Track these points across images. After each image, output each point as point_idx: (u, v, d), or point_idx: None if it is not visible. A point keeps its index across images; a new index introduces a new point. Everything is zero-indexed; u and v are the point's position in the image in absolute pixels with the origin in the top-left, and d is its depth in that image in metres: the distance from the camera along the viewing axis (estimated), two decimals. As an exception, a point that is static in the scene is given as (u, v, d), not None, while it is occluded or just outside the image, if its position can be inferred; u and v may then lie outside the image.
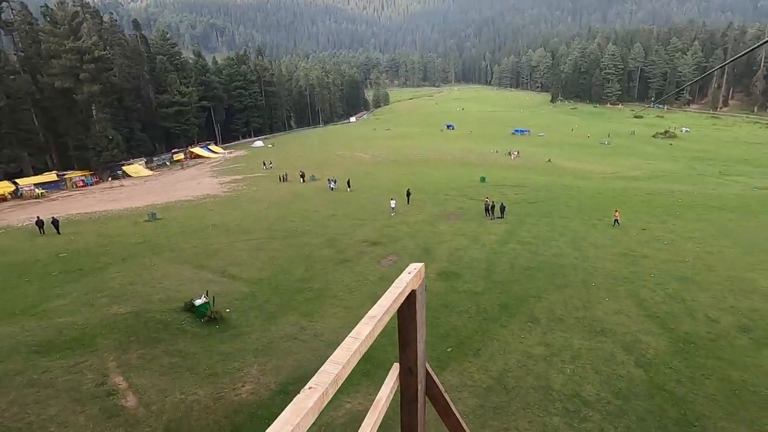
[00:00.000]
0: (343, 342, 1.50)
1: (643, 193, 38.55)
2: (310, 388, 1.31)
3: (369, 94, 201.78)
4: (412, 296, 2.14)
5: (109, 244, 26.76)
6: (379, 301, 1.81)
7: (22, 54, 62.81)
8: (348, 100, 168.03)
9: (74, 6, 66.61)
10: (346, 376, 1.41)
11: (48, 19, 60.72)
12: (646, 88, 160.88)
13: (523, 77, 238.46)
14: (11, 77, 55.30)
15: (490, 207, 30.01)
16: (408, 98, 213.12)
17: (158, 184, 54.70)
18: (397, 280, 2.07)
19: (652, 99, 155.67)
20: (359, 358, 1.50)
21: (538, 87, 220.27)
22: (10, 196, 48.74)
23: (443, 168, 56.01)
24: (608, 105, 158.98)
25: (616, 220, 27.32)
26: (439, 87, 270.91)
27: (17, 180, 51.78)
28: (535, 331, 14.84)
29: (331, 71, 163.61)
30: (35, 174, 56.12)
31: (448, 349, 13.83)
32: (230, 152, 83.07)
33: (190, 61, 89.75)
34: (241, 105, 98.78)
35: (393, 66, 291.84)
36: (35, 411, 9.99)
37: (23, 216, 37.83)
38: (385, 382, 2.24)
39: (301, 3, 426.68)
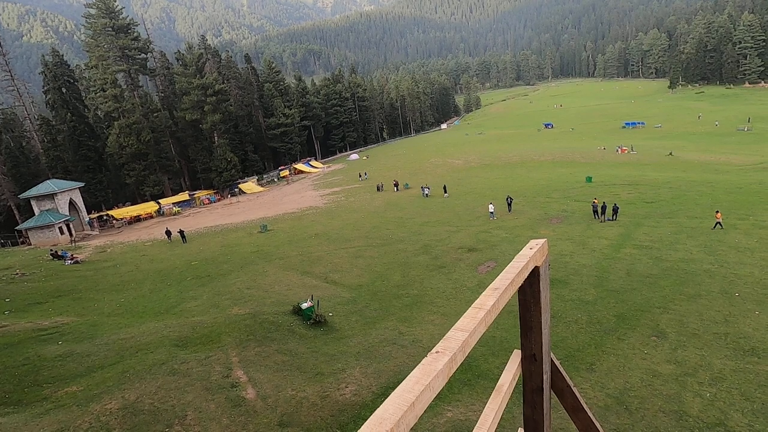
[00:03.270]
0: (467, 311, 1.42)
1: (801, 186, 31.81)
2: (437, 352, 1.24)
3: (459, 100, 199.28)
4: (535, 274, 1.96)
5: (229, 253, 30.15)
6: (500, 275, 1.69)
7: (162, 94, 74.85)
8: (438, 107, 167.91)
9: (199, 49, 77.47)
10: (473, 344, 1.32)
11: (180, 62, 71.41)
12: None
13: (632, 64, 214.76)
14: (155, 114, 66.08)
15: (599, 208, 27.32)
16: (500, 100, 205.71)
17: (268, 198, 60.31)
18: (518, 255, 1.92)
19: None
20: (484, 330, 1.41)
21: (651, 73, 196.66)
22: (154, 214, 57.87)
23: (543, 169, 52.66)
24: (746, 84, 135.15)
25: (718, 223, 22.90)
26: (534, 85, 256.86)
27: (160, 200, 61.35)
28: (661, 346, 13.00)
29: (421, 81, 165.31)
30: (172, 194, 65.93)
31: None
32: (329, 166, 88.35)
33: (292, 85, 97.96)
34: (337, 121, 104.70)
35: (483, 69, 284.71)
36: (176, 396, 11.55)
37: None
38: (506, 368, 2.07)
39: (390, 18, 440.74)
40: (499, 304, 1.51)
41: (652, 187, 35.78)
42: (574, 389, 2.27)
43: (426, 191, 42.86)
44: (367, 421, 1.02)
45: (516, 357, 2.13)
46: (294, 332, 16.01)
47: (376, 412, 1.04)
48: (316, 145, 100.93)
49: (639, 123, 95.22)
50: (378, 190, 50.17)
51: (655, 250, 20.79)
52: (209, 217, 51.30)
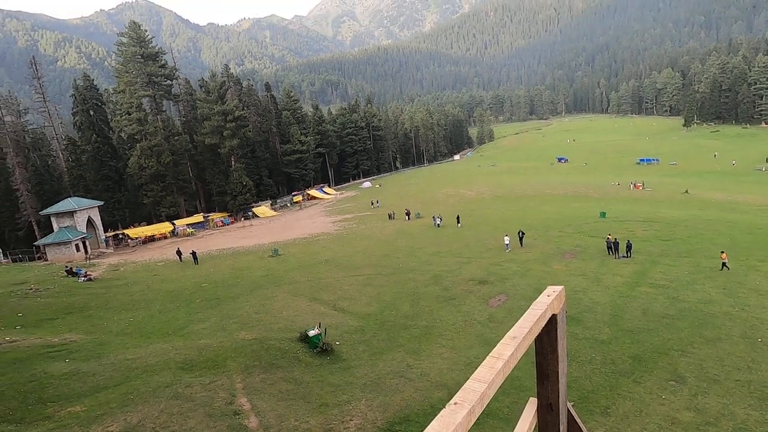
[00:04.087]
0: (485, 361, 1.42)
1: (824, 229, 31.00)
2: (455, 403, 1.23)
3: (473, 132, 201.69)
4: (552, 322, 1.95)
5: (240, 276, 30.24)
6: (518, 323, 1.69)
7: (184, 119, 77.44)
8: (451, 138, 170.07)
9: (222, 77, 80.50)
10: (491, 396, 1.31)
11: (203, 88, 74.18)
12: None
13: (646, 102, 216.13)
14: (176, 138, 68.20)
15: (613, 244, 26.91)
16: (514, 133, 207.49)
17: (280, 223, 60.86)
18: (535, 303, 1.92)
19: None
20: (502, 381, 1.40)
21: (666, 111, 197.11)
22: (169, 234, 58.69)
23: (555, 203, 52.39)
24: (763, 125, 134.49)
25: (724, 264, 22.32)
26: (548, 119, 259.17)
27: (174, 221, 62.34)
28: (680, 392, 12.47)
29: (435, 112, 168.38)
30: (187, 216, 67.01)
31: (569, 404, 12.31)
32: (341, 193, 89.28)
33: (309, 113, 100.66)
34: (352, 149, 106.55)
35: (497, 102, 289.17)
36: (178, 421, 11.36)
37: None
38: (522, 416, 2.03)
39: (406, 52, 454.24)
40: (517, 353, 1.51)
41: (668, 224, 35.23)
42: None
43: (438, 221, 42.85)
44: None
45: (532, 406, 2.09)
46: (300, 360, 15.78)
47: None
48: (329, 172, 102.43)
49: (653, 159, 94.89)
50: (390, 218, 50.33)
51: (672, 290, 20.25)
52: (222, 239, 51.82)
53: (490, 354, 1.46)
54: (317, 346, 16.46)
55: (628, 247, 26.51)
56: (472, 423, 1.23)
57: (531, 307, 1.88)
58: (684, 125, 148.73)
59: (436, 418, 1.21)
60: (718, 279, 21.30)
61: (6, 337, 18.76)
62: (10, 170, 55.77)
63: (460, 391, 1.29)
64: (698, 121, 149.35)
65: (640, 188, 60.76)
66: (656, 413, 11.61)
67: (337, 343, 17.31)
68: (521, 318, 1.76)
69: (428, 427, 1.16)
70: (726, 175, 75.57)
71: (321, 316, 20.21)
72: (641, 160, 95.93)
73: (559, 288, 2.05)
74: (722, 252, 23.17)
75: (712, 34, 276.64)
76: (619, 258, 26.25)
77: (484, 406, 1.29)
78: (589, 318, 17.97)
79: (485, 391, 1.28)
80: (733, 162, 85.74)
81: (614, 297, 20.09)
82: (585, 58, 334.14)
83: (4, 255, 50.27)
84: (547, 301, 1.89)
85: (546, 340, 1.94)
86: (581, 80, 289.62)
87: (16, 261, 49.72)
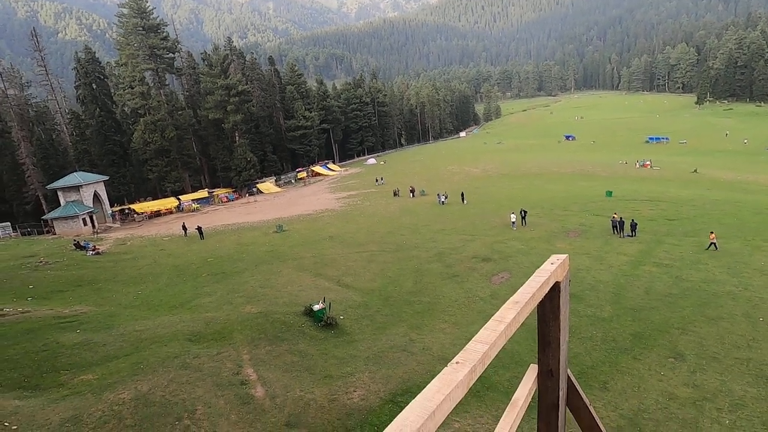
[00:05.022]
0: (487, 324, 1.43)
1: (833, 209, 30.63)
2: (457, 362, 1.25)
3: (479, 108, 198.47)
4: (555, 289, 1.96)
5: (244, 251, 30.54)
6: (521, 288, 1.69)
7: (187, 93, 76.59)
8: (458, 115, 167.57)
9: (225, 50, 79.07)
10: (493, 357, 1.33)
11: (206, 62, 73.04)
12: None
13: (658, 78, 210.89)
14: (179, 112, 67.66)
15: (618, 224, 26.79)
16: (521, 110, 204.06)
17: (284, 199, 60.97)
18: (538, 270, 1.91)
19: None
20: (504, 342, 1.42)
21: (678, 88, 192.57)
22: (174, 210, 59.04)
23: (562, 181, 51.97)
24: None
25: (713, 243, 22.33)
26: (556, 96, 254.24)
27: (180, 196, 62.60)
28: (679, 368, 12.64)
29: (441, 88, 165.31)
30: (192, 191, 67.21)
31: (569, 379, 12.54)
32: (346, 170, 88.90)
33: (314, 88, 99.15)
34: (357, 125, 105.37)
35: (505, 78, 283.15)
36: (186, 390, 11.71)
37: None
38: (522, 382, 2.06)
39: (413, 25, 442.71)
40: (520, 317, 1.51)
41: (675, 204, 34.94)
42: (591, 408, 2.23)
43: (442, 198, 42.72)
44: (388, 428, 1.03)
45: (532, 372, 2.12)
46: (305, 333, 16.09)
47: (396, 419, 1.06)
48: (334, 148, 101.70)
49: (663, 138, 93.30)
50: (394, 195, 50.22)
51: (676, 269, 20.26)
52: (227, 215, 52.10)
53: (492, 317, 1.46)
54: (321, 320, 16.74)
55: (633, 226, 26.39)
56: (473, 382, 1.24)
57: (535, 273, 1.87)
58: (696, 103, 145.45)
59: (437, 376, 1.23)
60: (723, 259, 21.24)
61: (18, 308, 19.23)
62: (15, 144, 55.81)
63: (461, 351, 1.30)
64: (711, 99, 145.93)
65: (648, 167, 59.97)
66: (654, 389, 11.81)
67: (341, 317, 17.59)
68: (524, 284, 1.76)
69: (429, 385, 1.17)
70: (737, 154, 74.33)
71: (325, 291, 20.48)
72: (650, 138, 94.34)
73: (563, 256, 2.04)
74: (711, 232, 23.23)
75: (731, 7, 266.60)
76: (623, 237, 26.18)
77: (485, 367, 1.30)
78: (591, 296, 18.09)
79: (487, 351, 1.29)
80: (745, 141, 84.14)
81: (617, 276, 20.15)
82: (596, 32, 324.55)
83: (13, 228, 50.94)
84: (551, 269, 1.89)
85: (549, 306, 1.95)
86: (592, 55, 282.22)
87: (25, 234, 50.41)
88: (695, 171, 55.12)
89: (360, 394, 12.09)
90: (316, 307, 17.19)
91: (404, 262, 24.75)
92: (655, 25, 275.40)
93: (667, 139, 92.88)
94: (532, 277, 1.81)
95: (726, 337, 14.04)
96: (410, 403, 1.12)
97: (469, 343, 1.35)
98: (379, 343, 15.43)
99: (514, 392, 2.08)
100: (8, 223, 51.17)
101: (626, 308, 16.80)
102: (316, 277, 23.31)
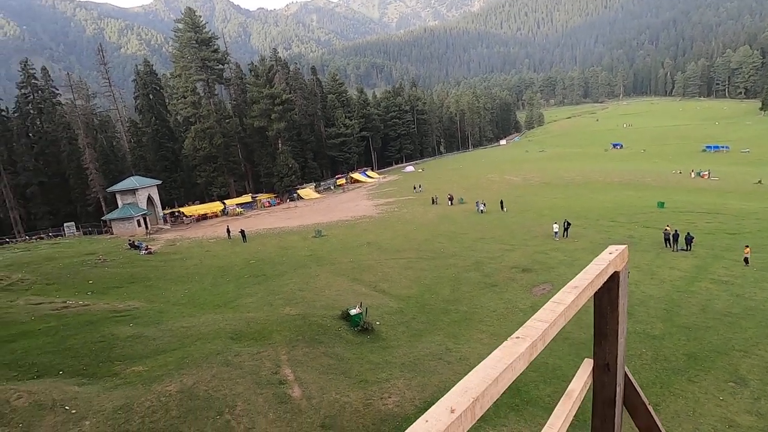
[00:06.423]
0: (546, 305, 1.41)
1: None
2: (517, 337, 1.25)
3: (521, 116, 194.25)
4: (614, 279, 1.89)
5: (285, 255, 31.35)
6: (579, 275, 1.65)
7: (234, 102, 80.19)
8: (498, 122, 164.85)
9: (270, 61, 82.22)
10: (553, 336, 1.31)
11: (252, 72, 76.23)
12: None
13: (717, 83, 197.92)
14: (227, 121, 70.96)
15: (671, 237, 25.24)
16: (565, 117, 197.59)
17: (323, 205, 62.15)
18: (596, 258, 1.86)
19: None
20: (564, 323, 1.40)
21: (740, 93, 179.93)
22: (219, 213, 61.67)
23: (608, 191, 49.71)
24: None
25: (746, 259, 20.98)
26: (603, 102, 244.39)
27: (225, 201, 65.36)
28: (741, 394, 11.67)
29: (482, 95, 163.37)
30: (237, 196, 69.99)
31: (615, 398, 11.88)
32: (384, 177, 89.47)
33: (354, 97, 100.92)
34: (395, 133, 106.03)
35: (548, 85, 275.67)
36: (228, 386, 12.13)
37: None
38: (577, 374, 1.99)
39: (453, 33, 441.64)
40: (578, 301, 1.47)
41: (736, 217, 32.49)
42: (650, 407, 2.12)
43: (481, 207, 42.02)
44: (451, 390, 1.06)
45: (587, 365, 2.04)
46: (341, 337, 16.25)
47: (459, 383, 1.08)
48: (373, 156, 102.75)
49: (723, 147, 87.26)
50: (432, 203, 49.94)
51: (737, 287, 18.78)
52: (268, 219, 53.76)
53: (550, 299, 1.44)
54: (358, 325, 16.85)
55: (689, 239, 24.77)
56: (534, 357, 1.23)
57: (593, 262, 1.82)
58: (761, 109, 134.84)
59: (498, 348, 1.22)
60: (792, 277, 19.47)
61: (80, 302, 20.73)
62: (81, 150, 60.49)
63: (521, 328, 1.29)
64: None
65: (706, 177, 56.23)
66: (711, 414, 10.96)
67: (378, 323, 17.63)
68: (582, 271, 1.71)
69: (491, 354, 1.17)
70: (808, 164, 68.14)
71: (362, 296, 20.62)
72: (708, 147, 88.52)
73: (622, 247, 1.97)
74: (746, 246, 21.62)
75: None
76: (677, 251, 24.63)
77: (546, 344, 1.28)
78: (641, 311, 17.11)
79: (547, 329, 1.27)
80: (818, 150, 77.08)
81: (670, 291, 18.95)
82: (648, 35, 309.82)
83: (77, 228, 55.12)
84: (609, 258, 1.82)
85: (606, 297, 1.88)
86: (643, 60, 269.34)
87: (87, 234, 54.39)
88: (759, 182, 51.07)
89: (395, 400, 12.03)
90: (353, 312, 17.33)
91: (441, 270, 24.50)
92: (713, 27, 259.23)
93: (727, 147, 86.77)
94: (589, 265, 1.75)
95: (796, 363, 12.82)
96: (473, 370, 1.14)
97: (529, 321, 1.34)
98: (415, 351, 15.31)
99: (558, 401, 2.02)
100: (73, 223, 55.48)
101: (680, 326, 15.75)
102: (353, 282, 23.52)
